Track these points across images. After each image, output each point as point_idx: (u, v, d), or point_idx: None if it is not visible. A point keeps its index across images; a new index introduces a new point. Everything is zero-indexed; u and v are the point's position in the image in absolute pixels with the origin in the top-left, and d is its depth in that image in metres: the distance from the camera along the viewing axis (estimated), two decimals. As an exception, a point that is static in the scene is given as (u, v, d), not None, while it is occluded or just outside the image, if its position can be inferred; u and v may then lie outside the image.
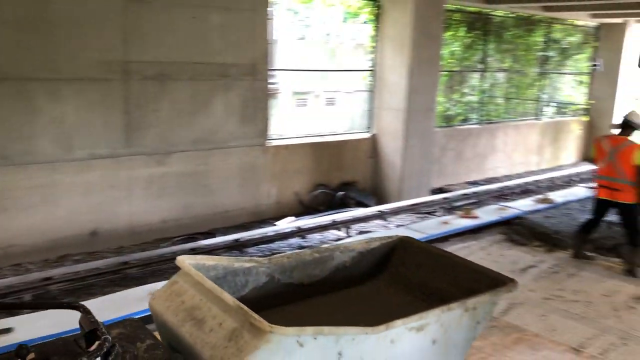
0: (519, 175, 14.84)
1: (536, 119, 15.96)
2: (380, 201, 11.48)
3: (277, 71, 12.89)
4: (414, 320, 2.40)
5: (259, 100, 9.40)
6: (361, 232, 9.42)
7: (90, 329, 1.86)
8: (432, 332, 2.51)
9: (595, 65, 16.72)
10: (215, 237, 8.45)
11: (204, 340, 2.19)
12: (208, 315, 2.28)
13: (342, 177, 11.33)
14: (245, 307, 2.18)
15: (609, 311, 5.15)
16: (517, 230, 7.52)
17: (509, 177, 14.54)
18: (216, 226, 9.14)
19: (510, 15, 14.71)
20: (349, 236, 9.03)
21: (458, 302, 2.61)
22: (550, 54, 16.20)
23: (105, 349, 1.78)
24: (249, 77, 9.15)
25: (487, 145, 14.38)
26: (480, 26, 14.06)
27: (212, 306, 2.31)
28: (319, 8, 13.59)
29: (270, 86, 10.22)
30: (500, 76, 15.45)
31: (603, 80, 16.77)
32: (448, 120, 14.32)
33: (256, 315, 2.12)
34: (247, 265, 2.71)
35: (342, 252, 3.13)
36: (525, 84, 15.88)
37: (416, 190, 11.77)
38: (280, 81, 13.40)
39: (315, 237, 9.07)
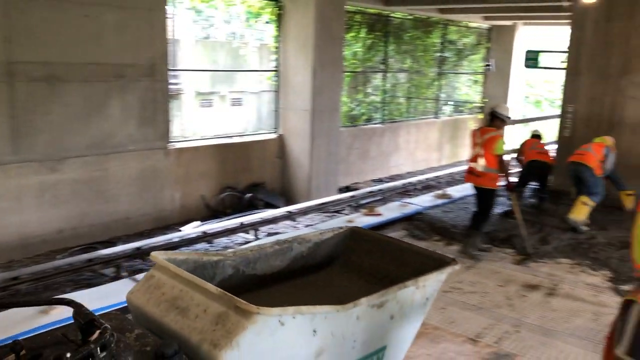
0: (422, 172, 15.37)
1: (435, 118, 16.63)
2: (289, 202, 11.48)
3: (179, 71, 12.56)
4: (375, 298, 2.66)
5: (159, 101, 9.09)
6: (270, 234, 9.37)
7: (87, 320, 1.92)
8: (390, 308, 2.79)
9: (488, 65, 17.66)
10: (115, 245, 8.06)
11: (190, 326, 2.33)
12: (191, 303, 2.42)
13: (250, 179, 11.22)
14: (229, 294, 2.34)
15: (503, 300, 5.42)
16: (417, 226, 7.75)
17: (412, 174, 15.03)
18: (117, 234, 8.73)
19: (409, 17, 15.21)
20: (257, 239, 8.94)
21: (412, 280, 2.87)
22: (447, 54, 16.92)
23: (107, 336, 1.87)
24: (147, 77, 8.81)
25: (390, 143, 14.78)
26: (380, 27, 14.42)
27: (194, 295, 2.45)
28: (221, 7, 13.36)
29: (171, 87, 9.92)
30: (401, 76, 15.94)
31: (496, 79, 17.75)
32: (353, 120, 14.58)
33: (241, 300, 2.28)
34: (215, 259, 2.92)
35: (300, 243, 3.35)
36: (425, 83, 16.49)
37: (324, 189, 11.88)
38: (183, 82, 13.05)
39: (223, 241, 8.90)
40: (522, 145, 9.29)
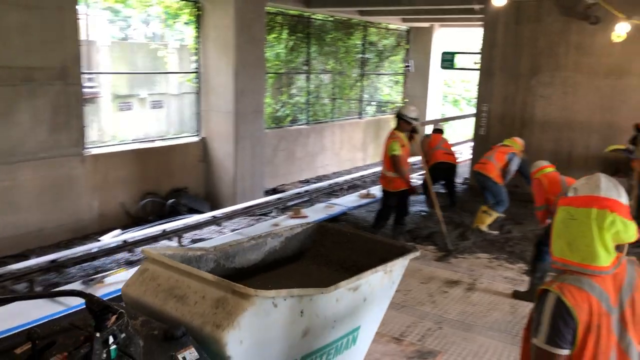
0: (347, 172, 15.54)
1: (359, 118, 16.86)
2: (214, 206, 11.28)
3: (94, 74, 12.05)
4: (352, 282, 2.94)
5: (72, 106, 8.66)
6: (194, 241, 9.15)
7: (102, 306, 2.00)
8: (363, 291, 3.09)
9: (407, 66, 18.09)
10: (28, 259, 7.61)
11: (191, 312, 2.51)
12: (189, 291, 2.60)
13: (173, 184, 10.92)
14: (226, 280, 2.56)
15: (425, 298, 5.54)
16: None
17: (338, 174, 15.16)
18: (30, 247, 8.25)
19: (330, 18, 15.33)
20: (181, 246, 8.71)
21: (382, 265, 3.15)
22: (368, 55, 17.19)
23: (124, 319, 1.97)
24: (59, 81, 8.38)
25: (316, 144, 14.84)
26: (302, 29, 14.44)
27: (191, 283, 2.63)
28: (138, 8, 12.93)
29: (86, 90, 9.49)
30: (325, 77, 16.05)
31: (416, 80, 18.22)
32: (278, 121, 14.52)
33: (239, 284, 2.49)
34: (198, 253, 3.14)
35: (273, 238, 3.60)
36: (348, 84, 16.68)
37: (250, 192, 11.76)
38: (100, 85, 12.53)
39: (145, 250, 8.60)
40: (426, 143, 9.12)
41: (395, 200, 6.90)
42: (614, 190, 2.10)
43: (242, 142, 11.44)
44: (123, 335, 1.99)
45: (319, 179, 14.57)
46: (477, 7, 8.93)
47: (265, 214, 10.95)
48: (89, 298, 2.05)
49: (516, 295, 5.63)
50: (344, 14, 14.65)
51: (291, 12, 13.97)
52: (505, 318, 5.12)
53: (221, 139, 11.46)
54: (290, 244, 3.72)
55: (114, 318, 1.97)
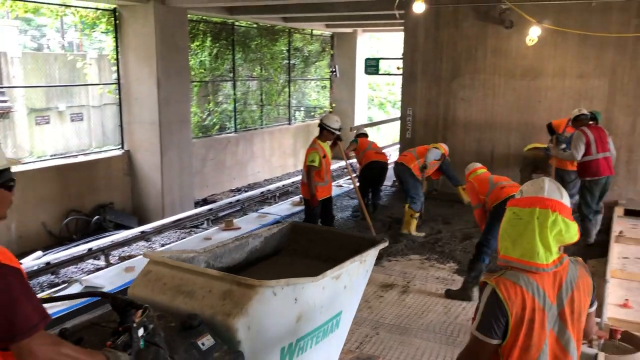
0: (279, 178, 15.50)
1: (289, 124, 16.85)
2: (143, 221, 10.93)
3: (6, 88, 11.43)
4: (335, 271, 3.23)
5: (-18, 123, 8.16)
6: (123, 258, 8.82)
7: (126, 303, 2.19)
8: (344, 280, 3.40)
9: (332, 71, 18.27)
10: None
11: (200, 304, 2.73)
12: (195, 287, 2.83)
13: (97, 200, 10.51)
14: (230, 274, 2.87)
15: (362, 303, 5.51)
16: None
17: (269, 181, 15.09)
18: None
19: (254, 25, 15.25)
20: (109, 265, 8.37)
21: (358, 256, 3.47)
22: (294, 61, 17.23)
23: (150, 313, 2.13)
24: (-34, 98, 7.87)
25: (245, 152, 14.71)
26: (226, 36, 14.28)
27: (196, 280, 2.86)
28: (52, 17, 12.34)
29: (-3, 106, 8.98)
30: (252, 84, 15.94)
31: (342, 84, 18.43)
32: (205, 130, 14.28)
33: (243, 277, 2.78)
34: (191, 255, 3.38)
35: (254, 239, 3.88)
36: (275, 90, 16.64)
37: (180, 204, 11.48)
38: (13, 98, 11.88)
39: (70, 270, 8.22)
40: (356, 147, 9.03)
41: (318, 209, 6.84)
42: (557, 192, 2.23)
43: (169, 153, 11.17)
44: (152, 326, 2.14)
45: (251, 187, 14.44)
46: (398, 13, 9.13)
47: (196, 226, 10.72)
48: (113, 297, 2.28)
49: (448, 294, 5.77)
50: (267, 20, 14.60)
51: (214, 19, 13.79)
52: (440, 319, 5.24)
53: (146, 150, 11.13)
54: (269, 243, 4.01)
55: (139, 312, 2.13)
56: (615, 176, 7.86)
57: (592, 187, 7.40)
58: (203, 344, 2.47)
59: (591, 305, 2.33)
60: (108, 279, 6.33)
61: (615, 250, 7.01)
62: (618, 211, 8.55)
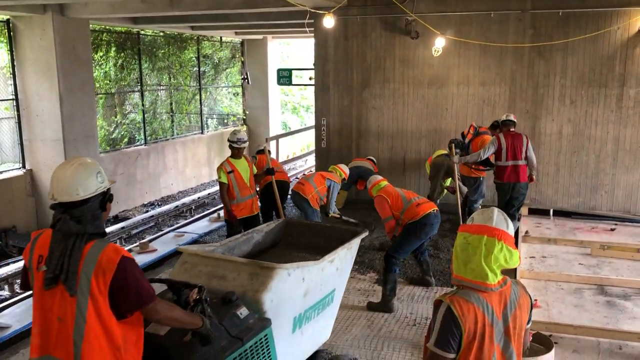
0: (193, 190, 15.16)
1: (201, 133, 16.52)
2: (49, 243, 10.34)
3: None
4: (331, 256, 3.93)
5: None
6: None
7: (183, 283, 2.88)
8: (336, 263, 4.09)
9: (244, 78, 18.11)
10: None
11: (232, 285, 3.39)
12: (226, 272, 3.50)
13: (-3, 224, 9.83)
14: (254, 260, 3.65)
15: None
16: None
17: (183, 193, 14.73)
18: None
19: (160, 34, 14.82)
20: (13, 295, 7.83)
21: (347, 243, 4.15)
22: (204, 69, 16.92)
23: (205, 290, 2.81)
24: None
25: (157, 164, 14.26)
26: (131, 45, 13.79)
27: (226, 266, 3.54)
28: None
29: None
30: (162, 93, 15.48)
31: (255, 90, 18.31)
32: (113, 144, 13.73)
33: (265, 262, 3.52)
34: (211, 248, 4.02)
35: (257, 234, 4.57)
36: (186, 99, 16.26)
37: (89, 224, 10.95)
38: None
39: (-31, 305, 7.60)
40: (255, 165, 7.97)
41: (238, 228, 6.55)
42: (503, 223, 2.45)
43: (76, 171, 10.62)
44: (208, 300, 2.82)
45: (164, 200, 14.03)
46: (308, 29, 9.20)
47: (108, 246, 10.27)
48: (170, 280, 3.02)
49: (370, 307, 5.88)
50: (174, 28, 14.24)
51: (118, 29, 13.27)
52: (364, 332, 5.31)
53: (51, 169, 10.40)
54: (269, 237, 4.68)
55: (196, 290, 2.80)
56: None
57: (499, 190, 7.89)
58: (241, 314, 3.14)
59: (528, 322, 2.56)
60: (15, 317, 5.89)
61: (523, 250, 7.43)
62: (523, 211, 9.07)
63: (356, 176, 9.30)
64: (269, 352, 3.27)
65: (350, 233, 4.45)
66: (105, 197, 2.56)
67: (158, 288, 2.80)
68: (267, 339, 3.26)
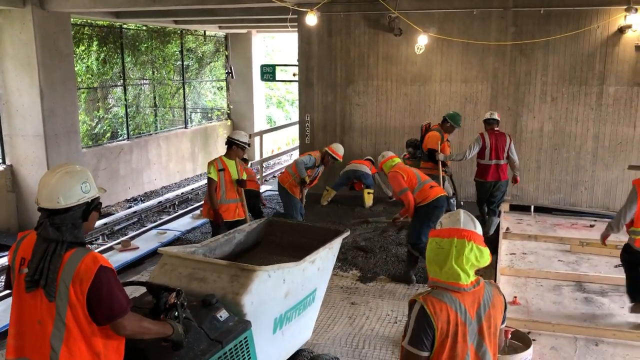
0: (177, 185, 15.10)
1: (185, 127, 16.43)
2: (30, 240, 10.25)
3: None
4: (311, 257, 3.96)
5: None
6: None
7: (161, 287, 2.91)
8: (318, 263, 4.12)
9: (228, 72, 18.02)
10: None
11: (212, 287, 3.40)
12: (206, 274, 3.51)
13: (-24, 221, 9.72)
14: (234, 262, 3.66)
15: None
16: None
17: (167, 188, 14.66)
18: None
19: (143, 27, 14.69)
20: (-6, 293, 7.74)
21: (328, 244, 4.18)
22: (188, 63, 16.81)
23: (182, 294, 2.83)
24: None
25: (140, 159, 14.17)
26: (113, 39, 13.66)
27: (206, 268, 3.55)
28: None
29: None
30: (145, 88, 15.37)
31: (239, 84, 18.23)
32: (95, 139, 13.61)
33: (245, 264, 3.53)
34: (192, 249, 4.03)
35: (239, 233, 4.56)
36: (169, 93, 16.16)
37: (71, 220, 10.87)
38: None
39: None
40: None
41: (222, 230, 6.16)
42: (471, 224, 2.52)
43: (57, 167, 10.53)
44: (185, 304, 2.82)
45: (147, 195, 13.96)
46: (290, 25, 9.18)
47: (90, 242, 10.20)
48: (149, 283, 3.05)
49: (393, 277, 6.43)
50: (157, 22, 14.12)
51: (100, 22, 13.13)
52: (345, 330, 5.35)
53: (32, 165, 10.44)
54: (251, 237, 4.69)
55: (174, 294, 2.81)
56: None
57: (479, 187, 7.98)
58: (221, 317, 3.15)
59: (502, 322, 2.62)
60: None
61: (503, 247, 7.52)
62: (504, 207, 9.17)
63: (353, 178, 9.39)
64: (249, 355, 3.28)
65: (332, 232, 4.50)
66: (90, 207, 2.55)
67: (136, 290, 2.83)
68: (247, 341, 3.26)
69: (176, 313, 2.76)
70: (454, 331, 2.39)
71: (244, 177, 6.59)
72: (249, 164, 8.76)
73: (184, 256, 3.71)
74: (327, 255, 4.26)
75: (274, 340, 3.74)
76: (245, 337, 3.26)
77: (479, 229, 2.54)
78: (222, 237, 4.40)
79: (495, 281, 6.04)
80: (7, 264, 2.64)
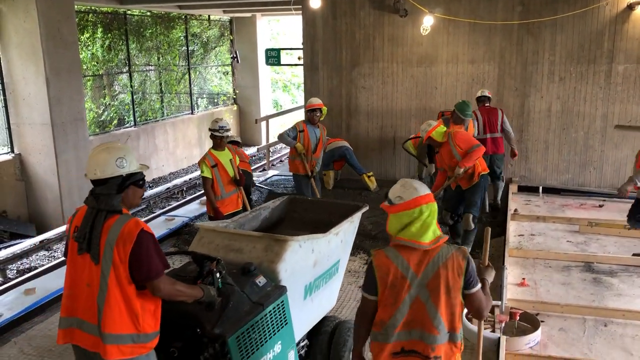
0: (185, 170, 15.13)
1: (191, 113, 16.42)
2: (42, 228, 10.33)
3: None
4: (336, 229, 4.17)
5: None
6: (21, 271, 8.32)
7: (203, 256, 3.14)
8: (341, 235, 4.32)
9: (233, 57, 17.95)
10: None
11: (248, 257, 3.66)
12: (242, 245, 3.77)
13: (-13, 210, 9.81)
14: (268, 234, 3.91)
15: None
16: (186, 240, 7.56)
17: (175, 174, 14.70)
18: None
19: (147, 13, 14.63)
20: (6, 280, 7.85)
21: (349, 217, 4.38)
22: (193, 48, 16.75)
23: (222, 263, 3.12)
24: None
25: (148, 145, 14.21)
26: (118, 26, 13.62)
27: (241, 239, 3.82)
28: None
29: None
30: (151, 74, 15.35)
31: (245, 70, 18.17)
32: (102, 126, 13.64)
33: (279, 235, 3.81)
34: (225, 224, 4.24)
35: (265, 210, 4.80)
36: (175, 79, 16.13)
37: (80, 207, 10.94)
38: None
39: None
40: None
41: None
42: (423, 187, 2.81)
43: (65, 155, 10.58)
44: (224, 271, 3.13)
45: (155, 182, 14.01)
46: (294, 8, 9.11)
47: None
48: (193, 253, 3.29)
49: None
50: (161, 8, 14.05)
51: (104, 9, 13.09)
52: (354, 314, 5.37)
53: (40, 153, 10.48)
54: (275, 213, 4.92)
55: (214, 262, 3.07)
56: (507, 154, 8.44)
57: None
58: (260, 282, 3.44)
59: (469, 287, 2.75)
60: (6, 305, 5.90)
61: (511, 229, 7.50)
62: (512, 188, 9.13)
63: (337, 156, 9.27)
64: (285, 317, 3.57)
65: (352, 208, 4.72)
66: (126, 182, 2.80)
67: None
68: (283, 304, 3.55)
69: (211, 279, 3.04)
70: (392, 282, 2.74)
71: (237, 161, 6.33)
72: (242, 148, 8.50)
73: (220, 229, 3.97)
74: (349, 229, 4.46)
75: (304, 306, 3.98)
76: (282, 301, 3.55)
77: (423, 189, 2.80)
78: (250, 213, 4.67)
79: (503, 263, 6.04)
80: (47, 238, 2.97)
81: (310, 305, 4.07)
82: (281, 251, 3.62)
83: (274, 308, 3.44)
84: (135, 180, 2.85)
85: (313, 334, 4.23)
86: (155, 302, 2.82)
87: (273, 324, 3.44)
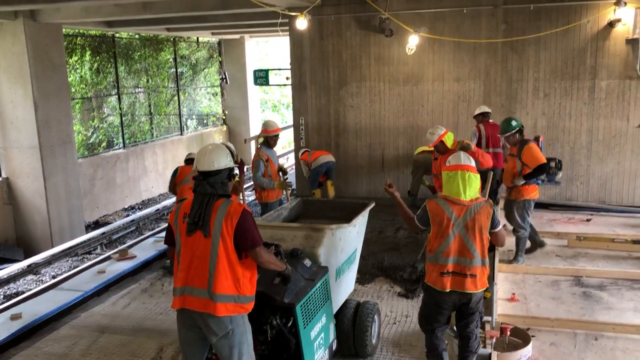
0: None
1: (181, 134, 16.43)
2: (30, 252, 10.25)
3: None
4: (355, 220, 4.80)
5: None
6: (8, 296, 8.22)
7: (266, 243, 3.59)
8: (357, 227, 4.93)
9: (222, 78, 18.02)
10: None
11: (291, 244, 4.29)
12: (284, 235, 4.43)
13: (-26, 235, 9.71)
14: (306, 224, 4.75)
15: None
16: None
17: (164, 196, 14.65)
18: None
19: (136, 36, 14.70)
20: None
21: (361, 212, 4.99)
22: (182, 70, 16.81)
23: (280, 247, 3.79)
24: None
25: (137, 167, 14.18)
26: (106, 49, 13.66)
27: (282, 231, 4.50)
28: None
29: None
30: (140, 96, 15.37)
31: (234, 90, 18.24)
32: (91, 148, 13.60)
33: (318, 224, 4.52)
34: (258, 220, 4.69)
35: (284, 210, 5.45)
36: (164, 100, 16.16)
37: (69, 230, 10.88)
38: None
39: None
40: (174, 178, 7.25)
41: None
42: (468, 160, 4.10)
43: (53, 178, 10.55)
44: (283, 254, 3.75)
45: (145, 203, 13.96)
46: (281, 29, 9.18)
47: (89, 252, 10.21)
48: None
49: None
50: (150, 30, 14.13)
51: (92, 32, 13.14)
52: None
53: (28, 177, 10.44)
54: (292, 213, 5.53)
55: (273, 247, 3.69)
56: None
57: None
58: (307, 263, 4.12)
59: (494, 226, 4.00)
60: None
61: (500, 244, 7.50)
62: (501, 204, 9.16)
63: (325, 170, 9.03)
64: (328, 293, 4.26)
65: (360, 205, 5.31)
66: (231, 172, 3.53)
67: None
68: (327, 281, 4.24)
69: (281, 258, 3.65)
70: (440, 222, 3.99)
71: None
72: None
73: (263, 223, 4.65)
74: (362, 221, 5.10)
75: (336, 286, 4.55)
76: (326, 279, 4.23)
77: (472, 162, 4.09)
78: (274, 212, 5.34)
79: (493, 279, 6.04)
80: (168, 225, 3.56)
81: (339, 287, 4.66)
82: (320, 237, 4.32)
83: (321, 284, 4.11)
84: (235, 174, 3.70)
85: (337, 315, 4.63)
86: (252, 270, 3.44)
87: (320, 298, 4.09)
